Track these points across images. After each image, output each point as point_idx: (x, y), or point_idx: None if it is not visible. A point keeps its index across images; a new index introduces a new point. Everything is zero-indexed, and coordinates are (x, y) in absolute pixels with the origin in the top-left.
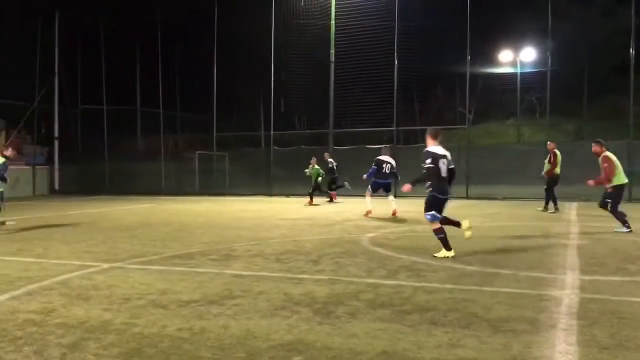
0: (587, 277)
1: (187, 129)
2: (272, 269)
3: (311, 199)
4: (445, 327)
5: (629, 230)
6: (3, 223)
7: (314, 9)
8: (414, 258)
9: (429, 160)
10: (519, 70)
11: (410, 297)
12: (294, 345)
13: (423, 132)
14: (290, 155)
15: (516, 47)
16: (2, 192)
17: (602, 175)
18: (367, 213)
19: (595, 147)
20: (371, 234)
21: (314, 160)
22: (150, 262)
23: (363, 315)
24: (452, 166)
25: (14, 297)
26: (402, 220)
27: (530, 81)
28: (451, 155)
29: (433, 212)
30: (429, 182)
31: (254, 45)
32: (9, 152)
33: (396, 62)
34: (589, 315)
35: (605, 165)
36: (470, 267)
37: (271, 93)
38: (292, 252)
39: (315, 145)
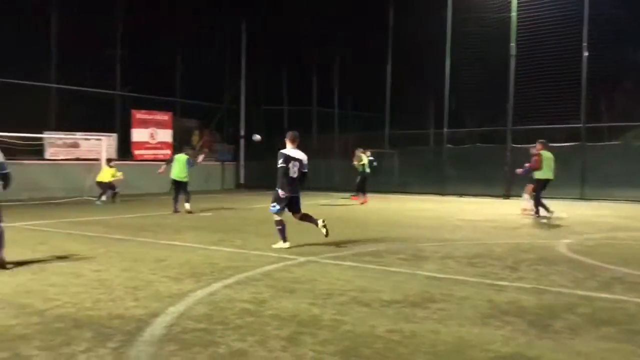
0: None
1: (357, 128)
2: (466, 273)
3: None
4: None
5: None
6: (191, 212)
7: (492, 0)
8: (625, 269)
9: (280, 161)
10: None
11: (636, 314)
12: (515, 358)
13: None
14: (463, 153)
15: None
16: (187, 182)
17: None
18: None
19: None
20: (567, 240)
21: (362, 151)
22: (342, 258)
23: (585, 332)
24: (305, 170)
25: (227, 286)
26: (599, 226)
27: None
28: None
29: (275, 205)
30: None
31: (426, 41)
32: (200, 158)
33: (585, 53)
34: None
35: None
36: None
37: (445, 89)
38: (484, 256)
39: (488, 143)
